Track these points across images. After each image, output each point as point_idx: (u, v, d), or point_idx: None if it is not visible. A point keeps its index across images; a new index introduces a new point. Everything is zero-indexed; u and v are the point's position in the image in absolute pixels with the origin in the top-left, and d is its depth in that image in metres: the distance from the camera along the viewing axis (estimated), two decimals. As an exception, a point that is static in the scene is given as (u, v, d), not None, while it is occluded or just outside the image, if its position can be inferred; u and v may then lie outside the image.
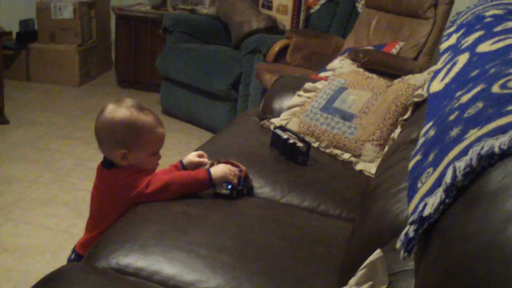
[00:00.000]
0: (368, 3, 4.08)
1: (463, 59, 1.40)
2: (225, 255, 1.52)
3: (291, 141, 2.18)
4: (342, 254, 1.58)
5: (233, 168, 1.86)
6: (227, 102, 4.22)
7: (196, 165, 1.94)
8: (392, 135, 2.25)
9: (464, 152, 0.82)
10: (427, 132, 1.13)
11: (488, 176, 0.78)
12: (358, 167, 2.25)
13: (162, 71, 4.59)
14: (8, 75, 5.09)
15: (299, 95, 2.58)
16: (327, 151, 2.35)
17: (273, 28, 4.45)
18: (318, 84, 2.60)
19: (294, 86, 2.67)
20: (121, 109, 1.73)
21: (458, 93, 1.22)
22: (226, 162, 1.91)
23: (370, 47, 3.71)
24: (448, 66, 1.45)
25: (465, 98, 1.02)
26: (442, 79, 1.41)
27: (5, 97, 4.26)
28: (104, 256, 1.48)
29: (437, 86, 1.41)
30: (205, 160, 1.94)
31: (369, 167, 2.22)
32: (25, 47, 5.20)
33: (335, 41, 4.18)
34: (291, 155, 2.18)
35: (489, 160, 0.78)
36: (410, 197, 0.95)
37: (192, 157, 1.95)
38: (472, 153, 0.79)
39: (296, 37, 4.00)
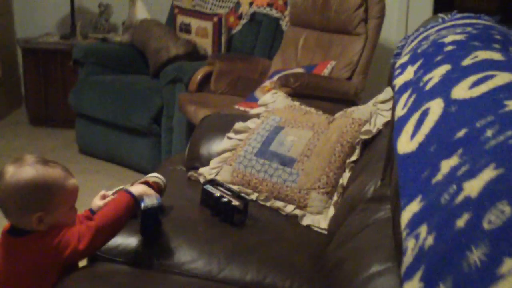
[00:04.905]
0: (293, 21, 3.79)
1: (436, 107, 1.10)
2: None
3: (225, 199, 1.84)
4: None
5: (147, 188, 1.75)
6: (150, 137, 3.86)
7: None
8: (341, 180, 1.95)
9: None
10: (416, 225, 0.81)
11: None
12: (305, 221, 1.92)
13: (76, 108, 4.19)
14: None
15: (229, 138, 2.25)
16: (268, 204, 2.01)
17: (194, 53, 4.12)
18: (250, 123, 2.27)
19: (223, 126, 2.33)
20: (24, 169, 1.48)
21: (444, 162, 0.92)
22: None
23: (299, 69, 3.43)
24: (416, 116, 1.15)
25: (473, 189, 0.71)
26: (413, 136, 1.10)
27: None
28: None
29: (407, 145, 1.10)
30: (109, 197, 1.79)
31: (318, 221, 1.90)
32: None
33: (261, 63, 3.87)
34: (226, 215, 1.84)
35: None
36: None
37: (98, 202, 1.80)
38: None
39: (219, 63, 3.68)
